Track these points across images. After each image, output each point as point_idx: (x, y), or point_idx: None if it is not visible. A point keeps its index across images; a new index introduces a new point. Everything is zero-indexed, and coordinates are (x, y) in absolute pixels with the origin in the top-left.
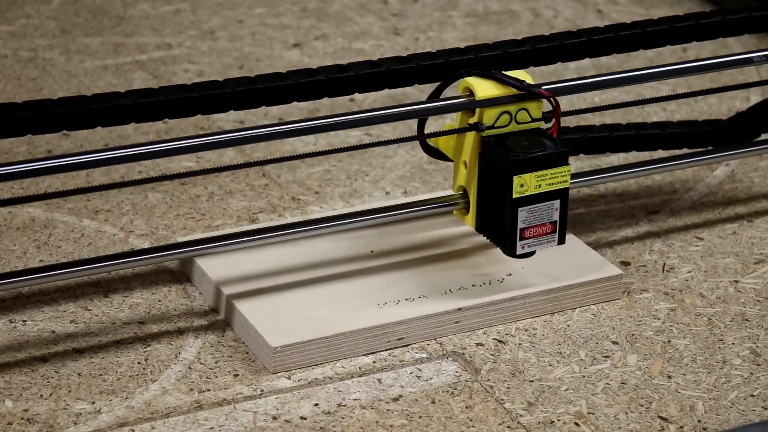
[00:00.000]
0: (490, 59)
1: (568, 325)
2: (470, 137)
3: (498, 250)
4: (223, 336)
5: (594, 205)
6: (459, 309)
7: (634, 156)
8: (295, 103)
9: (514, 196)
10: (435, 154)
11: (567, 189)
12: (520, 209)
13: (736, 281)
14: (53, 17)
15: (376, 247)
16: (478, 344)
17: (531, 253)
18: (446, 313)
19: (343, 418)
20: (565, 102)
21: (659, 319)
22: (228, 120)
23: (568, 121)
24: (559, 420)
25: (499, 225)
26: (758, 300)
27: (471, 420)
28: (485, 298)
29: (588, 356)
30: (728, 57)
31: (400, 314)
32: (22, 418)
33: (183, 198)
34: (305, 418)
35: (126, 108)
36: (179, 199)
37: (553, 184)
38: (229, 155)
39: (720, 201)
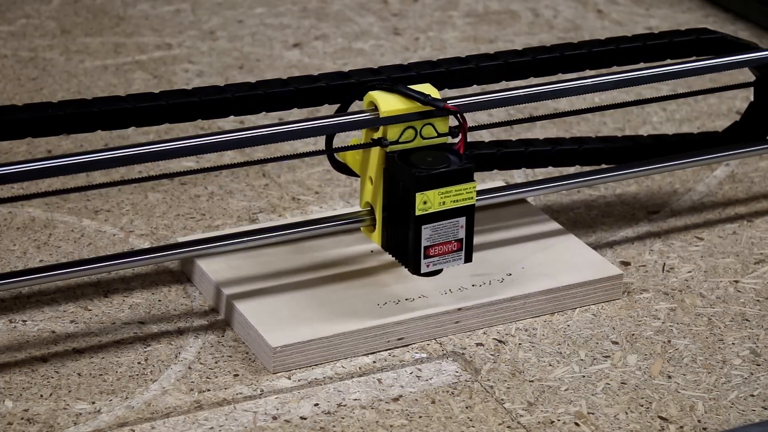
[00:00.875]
0: (491, 69)
1: (568, 325)
2: (375, 152)
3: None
4: (223, 336)
5: (594, 205)
6: (459, 309)
7: None
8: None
9: (417, 213)
10: (343, 169)
11: (473, 206)
12: (423, 227)
13: (736, 281)
14: (53, 17)
15: (375, 247)
16: (478, 344)
17: (437, 272)
18: (446, 313)
19: (343, 418)
20: (565, 103)
21: (659, 319)
22: (228, 120)
23: (568, 122)
24: (559, 420)
25: (404, 243)
26: (758, 300)
27: (471, 420)
28: (485, 298)
29: (588, 356)
30: (728, 58)
31: (400, 314)
32: (22, 418)
33: (183, 198)
34: (305, 418)
35: (126, 112)
36: (179, 199)
37: (458, 201)
38: (229, 155)
39: (720, 201)
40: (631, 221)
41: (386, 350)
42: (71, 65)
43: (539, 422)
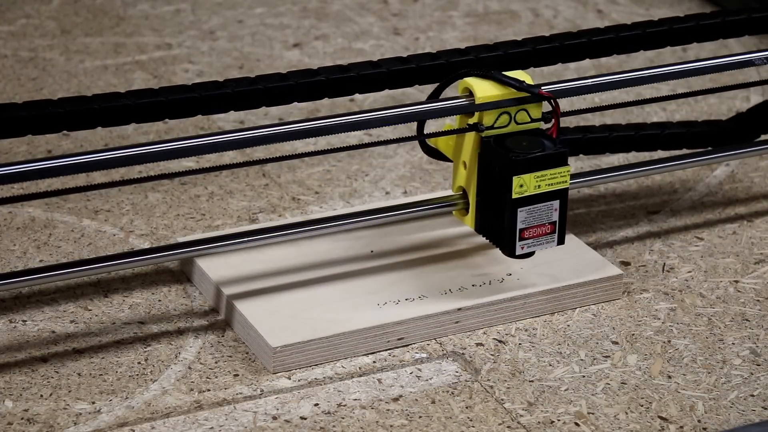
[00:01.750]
0: (490, 60)
1: (568, 325)
2: (470, 137)
3: (497, 250)
4: (223, 336)
5: (594, 205)
6: (459, 309)
7: (634, 156)
8: (296, 103)
9: (514, 196)
10: (434, 154)
11: (566, 189)
12: (519, 209)
13: (736, 281)
14: (53, 17)
15: (376, 247)
16: (478, 344)
17: (530, 254)
18: (446, 313)
19: (343, 418)
20: (565, 102)
21: (659, 319)
22: (228, 120)
23: (568, 122)
24: (559, 420)
25: (499, 225)
26: (758, 300)
27: (471, 420)
28: (485, 298)
29: (588, 356)
30: (728, 58)
31: (400, 314)
32: (22, 418)
33: (183, 198)
34: (305, 418)
35: (126, 108)
36: (179, 199)
37: (552, 184)
38: (230, 155)
39: (720, 201)
40: (631, 221)
41: (386, 350)
42: (71, 65)
43: (539, 422)
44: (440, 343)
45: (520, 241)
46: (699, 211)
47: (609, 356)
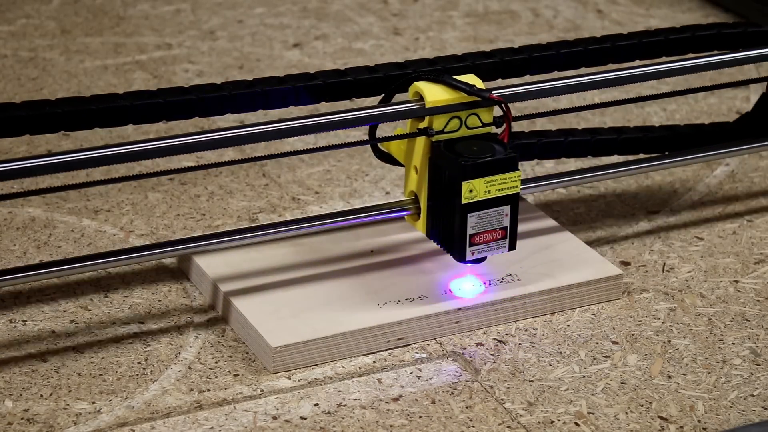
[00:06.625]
0: (486, 67)
1: (568, 325)
2: (420, 142)
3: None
4: (223, 336)
5: (594, 205)
6: (459, 309)
7: (633, 156)
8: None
9: (463, 201)
10: (387, 159)
11: (517, 195)
12: (469, 215)
13: (736, 281)
14: (53, 17)
15: (376, 247)
16: (478, 344)
17: (481, 260)
18: (446, 313)
19: (343, 418)
20: (565, 101)
21: (659, 319)
22: (228, 120)
23: (562, 122)
24: (559, 420)
25: (449, 231)
26: (758, 300)
27: (471, 420)
28: (485, 298)
29: (588, 356)
30: (745, 53)
31: (400, 314)
32: (22, 418)
33: (183, 198)
34: (305, 418)
35: (124, 109)
36: (179, 199)
37: (503, 189)
38: (229, 155)
39: (720, 201)
40: (631, 221)
41: (386, 350)
42: (71, 65)
43: (539, 422)
44: (440, 343)
45: (470, 246)
46: (699, 211)
47: (609, 356)
